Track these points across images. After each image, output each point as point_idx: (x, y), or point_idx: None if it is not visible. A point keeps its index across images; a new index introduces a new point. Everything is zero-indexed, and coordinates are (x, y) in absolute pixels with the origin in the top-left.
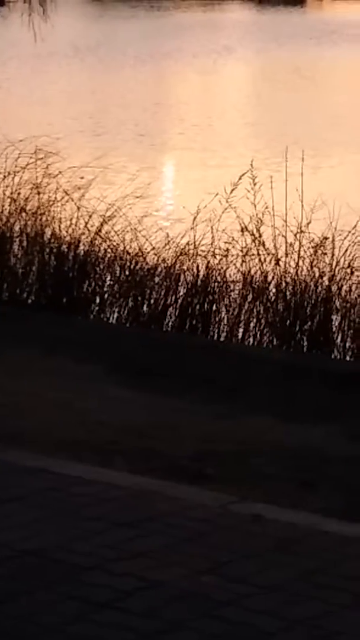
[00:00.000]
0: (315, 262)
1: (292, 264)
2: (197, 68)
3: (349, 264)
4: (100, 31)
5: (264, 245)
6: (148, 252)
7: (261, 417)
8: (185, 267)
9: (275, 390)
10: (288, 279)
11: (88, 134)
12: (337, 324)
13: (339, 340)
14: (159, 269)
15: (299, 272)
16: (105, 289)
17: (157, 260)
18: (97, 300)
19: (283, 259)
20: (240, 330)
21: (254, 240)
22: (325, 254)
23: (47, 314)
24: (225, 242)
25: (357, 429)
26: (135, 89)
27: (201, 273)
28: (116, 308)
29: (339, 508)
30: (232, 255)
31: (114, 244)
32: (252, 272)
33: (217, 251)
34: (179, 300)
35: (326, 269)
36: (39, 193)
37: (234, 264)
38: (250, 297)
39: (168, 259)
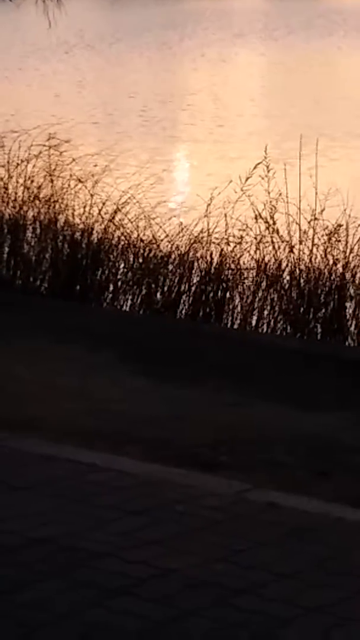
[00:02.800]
0: (329, 250)
1: (306, 251)
2: (209, 57)
3: None
4: (112, 20)
5: (277, 232)
6: (162, 240)
7: (275, 405)
8: (198, 255)
9: (289, 378)
10: (302, 267)
11: (101, 122)
12: (351, 311)
13: (352, 327)
14: (173, 257)
15: (312, 259)
16: (118, 277)
17: (171, 247)
18: (111, 287)
19: (297, 247)
20: (254, 318)
21: (267, 228)
22: (339, 241)
23: (61, 302)
24: (239, 230)
25: None
26: (147, 79)
27: (215, 260)
28: (129, 296)
29: (353, 496)
30: (246, 243)
31: (128, 231)
32: (266, 259)
33: (230, 239)
34: (193, 288)
35: (340, 257)
36: (52, 181)
37: (248, 252)
38: (264, 285)
39: (182, 247)
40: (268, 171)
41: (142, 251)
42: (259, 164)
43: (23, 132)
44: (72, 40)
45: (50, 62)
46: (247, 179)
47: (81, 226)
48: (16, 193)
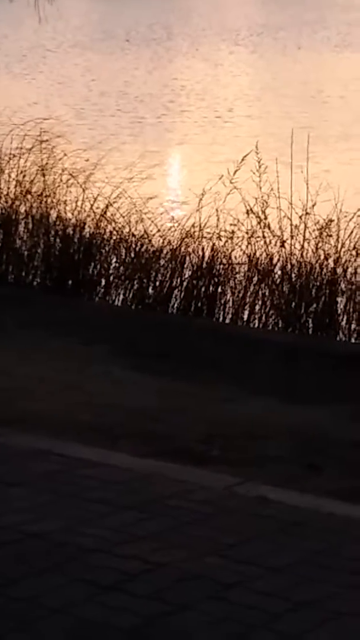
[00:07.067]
0: (321, 244)
1: (298, 246)
2: (201, 56)
3: (354, 246)
4: (101, 16)
5: (269, 227)
6: (153, 235)
7: (267, 399)
8: (190, 250)
9: (280, 373)
10: (293, 261)
11: (92, 119)
12: (342, 306)
13: (344, 322)
14: (165, 251)
15: (304, 254)
16: (110, 272)
17: (163, 242)
18: (103, 282)
19: (288, 241)
20: (246, 312)
21: (259, 223)
22: (331, 236)
23: (53, 297)
24: (231, 224)
25: None
26: (138, 76)
27: (206, 255)
28: (121, 290)
29: (345, 490)
30: (238, 238)
31: (120, 226)
32: (258, 254)
33: (222, 233)
34: (184, 283)
35: (331, 251)
36: (44, 175)
37: (239, 246)
38: (255, 280)
39: (173, 241)
40: (259, 166)
41: (134, 246)
42: (246, 155)
43: (15, 125)
44: (62, 36)
45: (39, 58)
46: (235, 171)
47: (73, 221)
48: (8, 188)
